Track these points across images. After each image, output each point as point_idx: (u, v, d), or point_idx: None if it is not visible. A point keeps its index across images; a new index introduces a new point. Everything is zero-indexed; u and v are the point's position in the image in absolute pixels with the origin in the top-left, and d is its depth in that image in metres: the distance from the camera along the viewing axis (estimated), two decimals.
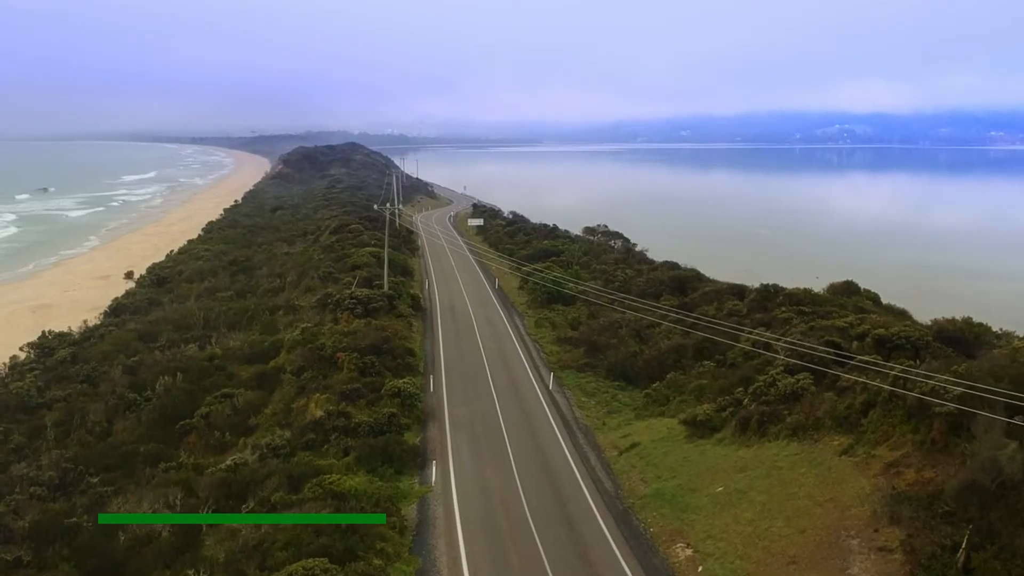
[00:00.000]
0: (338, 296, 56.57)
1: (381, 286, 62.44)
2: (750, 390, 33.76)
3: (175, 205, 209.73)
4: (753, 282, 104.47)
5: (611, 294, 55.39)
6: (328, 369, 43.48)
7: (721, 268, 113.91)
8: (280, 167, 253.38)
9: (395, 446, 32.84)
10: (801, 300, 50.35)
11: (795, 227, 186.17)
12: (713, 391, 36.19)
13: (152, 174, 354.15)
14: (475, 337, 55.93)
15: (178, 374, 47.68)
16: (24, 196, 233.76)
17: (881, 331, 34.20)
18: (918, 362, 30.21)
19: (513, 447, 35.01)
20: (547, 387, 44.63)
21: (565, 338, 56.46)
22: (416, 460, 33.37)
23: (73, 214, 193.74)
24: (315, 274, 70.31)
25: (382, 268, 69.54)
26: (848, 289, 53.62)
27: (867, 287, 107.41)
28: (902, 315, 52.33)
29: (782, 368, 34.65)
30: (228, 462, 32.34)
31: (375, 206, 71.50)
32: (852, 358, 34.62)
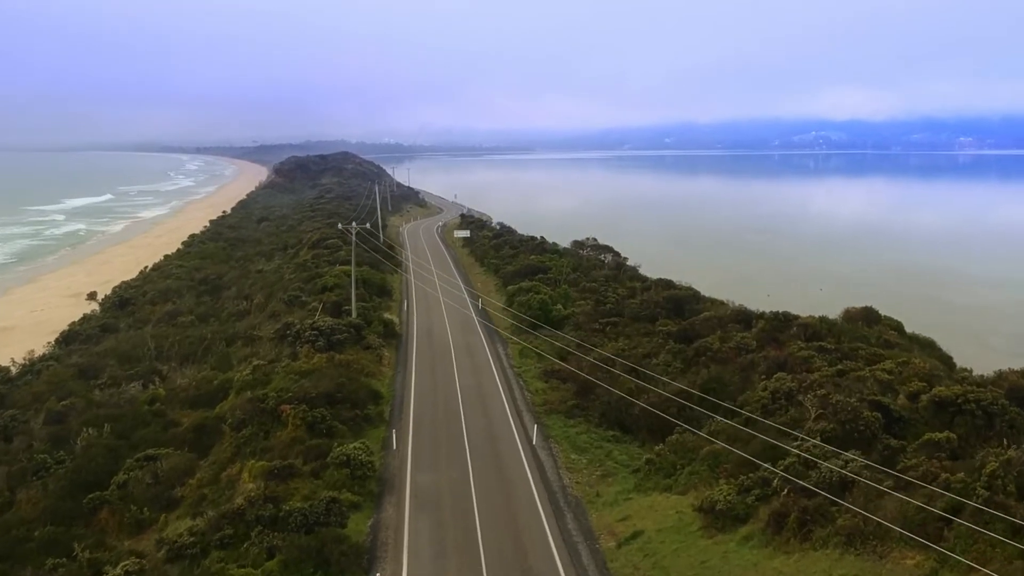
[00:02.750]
0: (299, 327, 48.12)
1: (350, 312, 54.03)
2: (780, 466, 25.53)
3: (168, 215, 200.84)
4: (749, 293, 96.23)
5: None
6: (271, 424, 35.07)
7: (715, 278, 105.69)
8: (273, 177, 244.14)
9: (333, 546, 24.45)
10: (818, 332, 42.22)
11: (781, 230, 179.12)
12: (731, 463, 27.92)
13: (148, 186, 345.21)
14: (452, 371, 47.59)
15: (106, 425, 39.27)
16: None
17: (942, 391, 25.98)
18: (1007, 444, 22.07)
19: (486, 536, 26.70)
20: (531, 441, 36.33)
21: (552, 371, 48.16)
22: (361, 561, 25.00)
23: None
24: (282, 297, 61.85)
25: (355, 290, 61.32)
26: (867, 316, 45.45)
27: (864, 296, 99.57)
28: (930, 347, 44.41)
29: (819, 436, 26.49)
30: (118, 571, 23.92)
31: (339, 225, 61.91)
32: (907, 423, 26.49)
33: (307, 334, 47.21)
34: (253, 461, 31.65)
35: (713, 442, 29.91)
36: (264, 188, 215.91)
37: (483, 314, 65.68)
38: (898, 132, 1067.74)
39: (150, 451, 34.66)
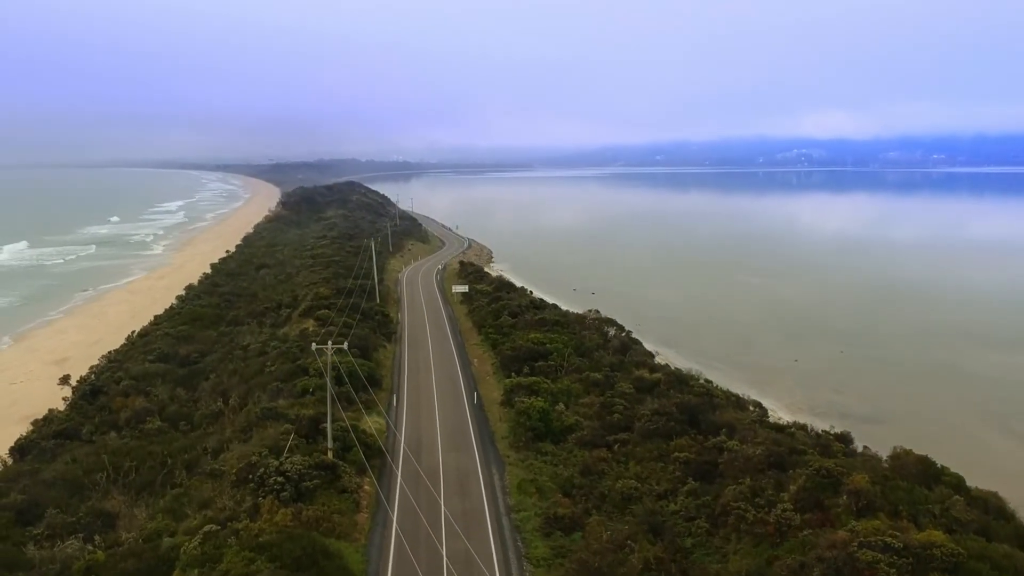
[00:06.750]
0: (263, 470, 38.93)
1: (327, 434, 44.72)
2: None
3: (173, 249, 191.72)
4: (756, 362, 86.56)
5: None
6: None
7: (716, 336, 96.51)
8: (279, 209, 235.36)
9: None
10: (873, 502, 33.03)
11: (776, 258, 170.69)
12: None
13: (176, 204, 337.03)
14: (440, 524, 38.30)
15: None
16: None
17: None
18: None
19: None
20: None
21: (554, 517, 39.15)
22: None
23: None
24: (260, 399, 52.69)
25: (340, 388, 52.14)
26: (925, 472, 36.14)
27: (876, 357, 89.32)
28: (999, 512, 35.28)
29: None
30: None
31: (313, 345, 48.50)
32: None
33: (271, 481, 38.04)
34: None
35: None
36: (271, 221, 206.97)
37: (478, 413, 56.55)
38: (876, 150, 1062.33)
39: None
